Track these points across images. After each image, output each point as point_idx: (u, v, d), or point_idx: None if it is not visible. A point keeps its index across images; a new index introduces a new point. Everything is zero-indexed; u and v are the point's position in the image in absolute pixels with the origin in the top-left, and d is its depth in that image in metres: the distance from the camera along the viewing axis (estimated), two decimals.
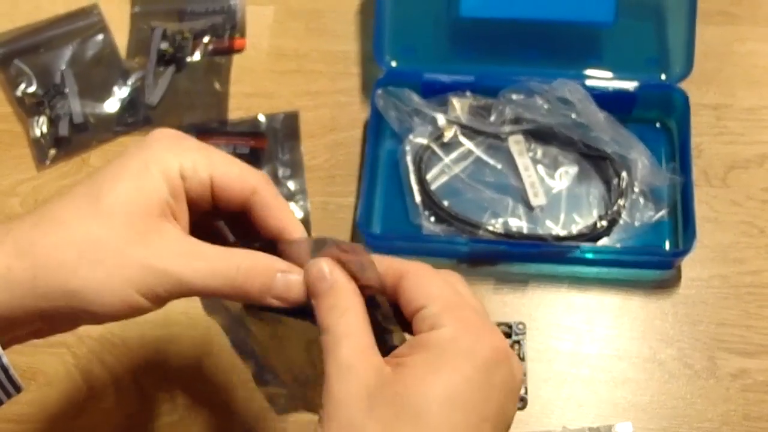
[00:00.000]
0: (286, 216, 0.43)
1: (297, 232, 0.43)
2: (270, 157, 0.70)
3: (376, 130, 0.68)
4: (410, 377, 0.36)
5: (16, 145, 0.72)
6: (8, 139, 0.73)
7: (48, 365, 0.62)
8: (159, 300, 0.39)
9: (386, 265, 0.41)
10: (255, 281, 0.40)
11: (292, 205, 0.68)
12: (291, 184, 0.69)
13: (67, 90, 0.73)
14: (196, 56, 0.75)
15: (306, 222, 0.68)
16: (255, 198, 0.42)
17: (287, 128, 0.72)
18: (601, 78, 0.69)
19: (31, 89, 0.74)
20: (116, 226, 0.39)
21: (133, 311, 0.39)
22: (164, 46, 0.75)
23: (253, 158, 0.70)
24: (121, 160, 0.41)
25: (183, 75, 0.75)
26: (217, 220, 0.45)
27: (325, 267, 0.40)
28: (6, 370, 0.39)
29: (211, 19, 0.77)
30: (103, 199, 0.39)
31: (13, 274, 0.38)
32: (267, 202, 0.43)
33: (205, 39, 0.76)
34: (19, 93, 0.74)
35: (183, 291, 0.39)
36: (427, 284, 0.40)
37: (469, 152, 0.69)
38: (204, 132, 0.71)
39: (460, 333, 0.38)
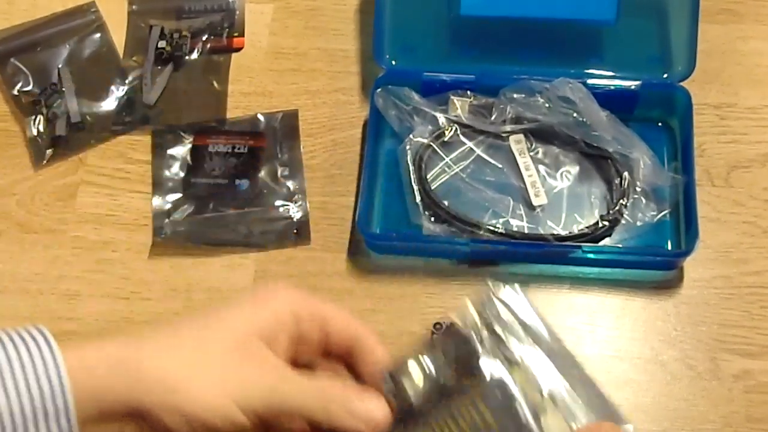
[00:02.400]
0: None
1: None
2: (269, 157, 0.70)
3: (375, 129, 0.68)
4: None
5: (12, 144, 0.72)
6: (5, 139, 0.72)
7: None
8: (254, 415, 0.42)
9: None
10: (335, 405, 0.43)
11: (291, 205, 0.68)
12: (290, 184, 0.69)
13: (64, 89, 0.73)
14: (194, 55, 0.75)
15: (305, 222, 0.67)
16: (356, 344, 0.45)
17: (286, 127, 0.71)
18: (602, 77, 0.69)
19: (28, 88, 0.73)
20: (223, 350, 0.42)
21: (230, 424, 0.41)
22: (162, 44, 0.75)
23: (252, 157, 0.69)
24: (241, 300, 0.45)
25: (181, 74, 0.74)
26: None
27: None
28: None
29: (209, 17, 0.76)
30: (216, 326, 0.43)
31: (121, 367, 0.40)
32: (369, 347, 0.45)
33: (204, 37, 0.75)
34: (15, 92, 0.73)
35: (275, 408, 0.42)
36: None
37: (470, 151, 0.69)
38: (202, 131, 0.71)
39: None
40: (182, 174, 0.69)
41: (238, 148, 0.70)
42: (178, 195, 0.69)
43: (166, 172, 0.70)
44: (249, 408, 0.41)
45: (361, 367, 0.46)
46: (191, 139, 0.71)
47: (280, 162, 0.70)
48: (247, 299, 0.45)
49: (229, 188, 0.68)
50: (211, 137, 0.70)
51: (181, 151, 0.70)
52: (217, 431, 0.41)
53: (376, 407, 0.43)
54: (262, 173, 0.69)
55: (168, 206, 0.68)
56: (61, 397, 0.38)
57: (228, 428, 0.41)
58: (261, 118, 0.72)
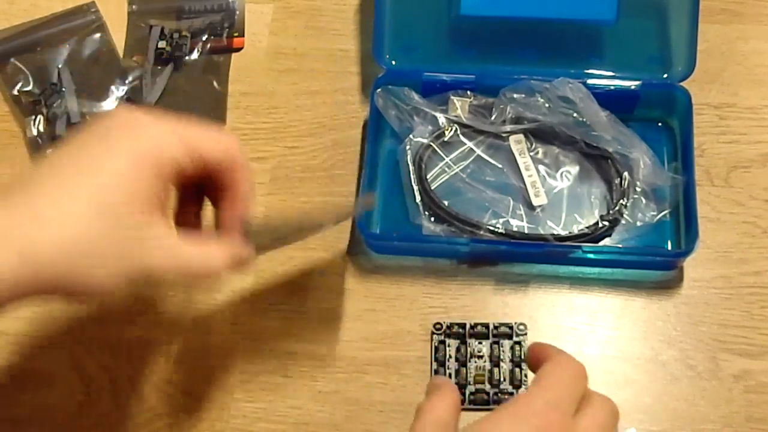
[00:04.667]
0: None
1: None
2: None
3: (375, 129, 0.68)
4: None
5: (12, 144, 0.72)
6: (5, 139, 0.72)
7: (45, 366, 0.62)
8: (136, 284, 0.49)
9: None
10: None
11: None
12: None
13: (64, 89, 0.73)
14: (194, 55, 0.75)
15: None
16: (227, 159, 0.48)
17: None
18: (602, 77, 0.69)
19: (28, 88, 0.73)
20: (112, 228, 0.44)
21: (116, 292, 0.45)
22: (162, 44, 0.75)
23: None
24: (111, 146, 0.45)
25: (181, 74, 0.74)
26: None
27: None
28: None
29: (209, 17, 0.77)
30: (100, 199, 0.43)
31: (15, 275, 0.41)
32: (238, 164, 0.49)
33: (204, 37, 0.76)
34: (15, 92, 0.73)
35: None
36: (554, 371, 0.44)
37: (470, 152, 0.69)
38: None
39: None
40: None
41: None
42: None
43: None
44: (134, 282, 0.45)
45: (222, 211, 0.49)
46: None
47: None
48: (123, 159, 0.45)
49: None
50: None
51: None
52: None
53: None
54: None
55: None
56: None
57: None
58: None
